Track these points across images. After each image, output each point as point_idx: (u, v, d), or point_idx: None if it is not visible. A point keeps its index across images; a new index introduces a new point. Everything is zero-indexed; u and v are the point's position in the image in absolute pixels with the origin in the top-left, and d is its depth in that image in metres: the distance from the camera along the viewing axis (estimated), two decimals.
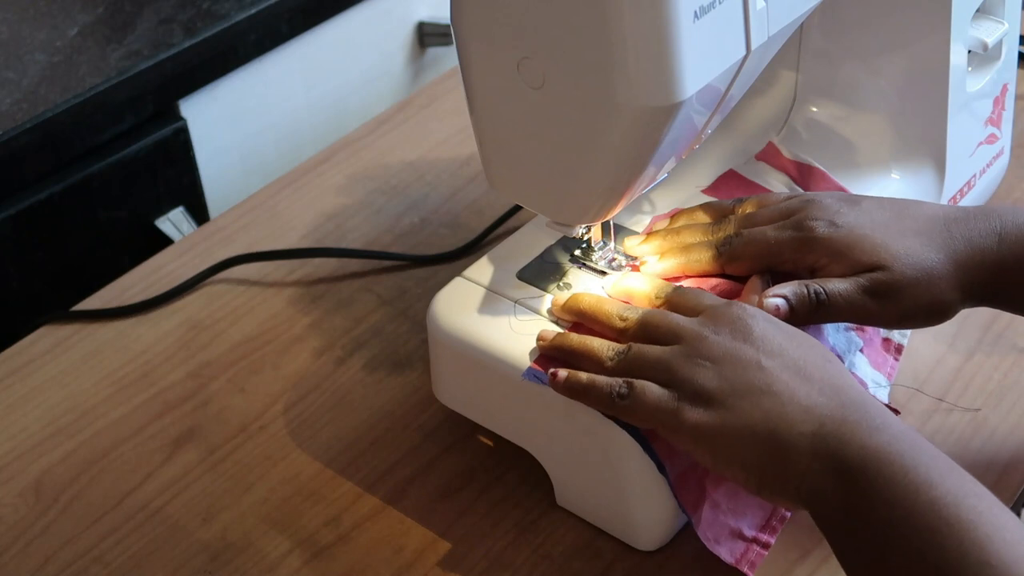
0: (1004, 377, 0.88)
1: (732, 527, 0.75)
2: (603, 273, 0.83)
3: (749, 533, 0.75)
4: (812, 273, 0.77)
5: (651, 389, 0.70)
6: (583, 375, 0.73)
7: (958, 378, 0.88)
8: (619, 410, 0.71)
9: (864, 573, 0.65)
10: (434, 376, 0.85)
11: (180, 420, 0.89)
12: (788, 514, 0.77)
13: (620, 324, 0.75)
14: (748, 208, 0.82)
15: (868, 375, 0.81)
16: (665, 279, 0.80)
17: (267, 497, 0.83)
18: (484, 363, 0.78)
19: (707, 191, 0.91)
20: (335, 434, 0.87)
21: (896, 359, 0.83)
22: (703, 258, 0.79)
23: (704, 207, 0.85)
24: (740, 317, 0.71)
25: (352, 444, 0.86)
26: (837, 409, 0.67)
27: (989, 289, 0.77)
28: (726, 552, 0.75)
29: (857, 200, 0.79)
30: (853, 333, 0.81)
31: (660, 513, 0.77)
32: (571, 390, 0.73)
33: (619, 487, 0.76)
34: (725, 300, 0.74)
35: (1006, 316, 0.92)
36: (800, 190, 0.86)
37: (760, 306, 0.73)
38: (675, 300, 0.76)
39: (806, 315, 0.74)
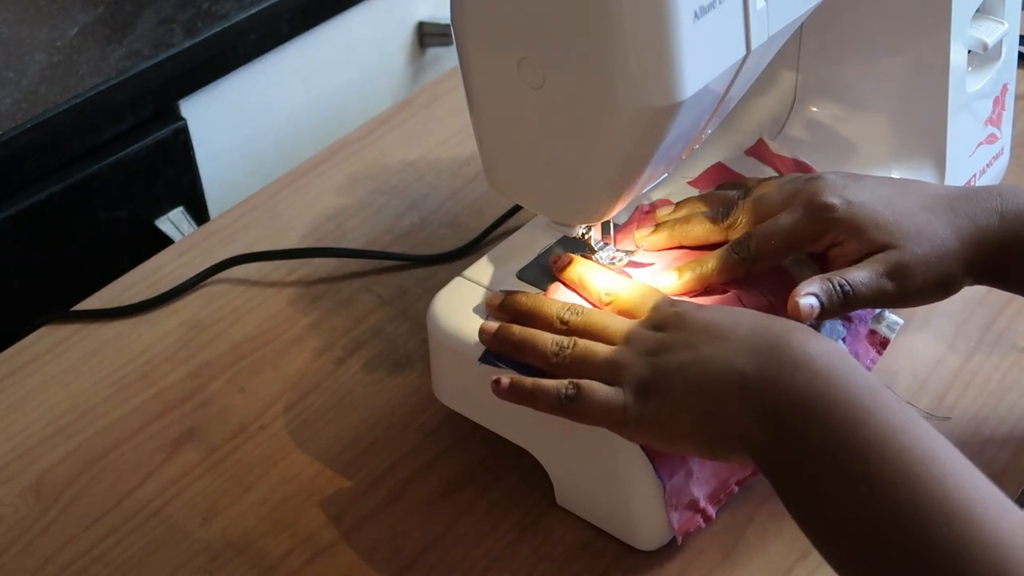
0: (1004, 377, 0.88)
1: (692, 496, 0.76)
2: None
3: (702, 504, 0.76)
4: (827, 251, 0.78)
5: (599, 389, 0.71)
6: (528, 380, 0.73)
7: (958, 378, 0.88)
8: (567, 412, 0.72)
9: (804, 516, 0.66)
10: (434, 376, 0.85)
11: (180, 420, 0.88)
12: (735, 488, 0.77)
13: (560, 327, 0.75)
14: (754, 195, 0.82)
15: None
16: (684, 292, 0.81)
17: (267, 497, 0.83)
18: (484, 363, 0.78)
19: (693, 183, 0.91)
20: (335, 434, 0.87)
21: (879, 352, 0.82)
22: (724, 266, 0.79)
23: (706, 197, 0.86)
24: (677, 314, 0.73)
25: (352, 444, 0.86)
26: (755, 356, 0.67)
27: (990, 267, 0.78)
28: (675, 519, 0.75)
29: (858, 176, 0.80)
30: (838, 322, 0.81)
31: (660, 513, 0.77)
32: (516, 395, 0.73)
33: (619, 487, 0.76)
34: (666, 299, 0.75)
35: (1006, 316, 0.92)
36: None
37: (793, 308, 0.74)
38: (622, 301, 0.77)
39: (836, 310, 0.75)
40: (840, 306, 0.75)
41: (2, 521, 0.82)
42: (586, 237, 0.83)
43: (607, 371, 0.72)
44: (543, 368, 0.75)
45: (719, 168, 0.92)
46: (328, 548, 0.80)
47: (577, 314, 0.75)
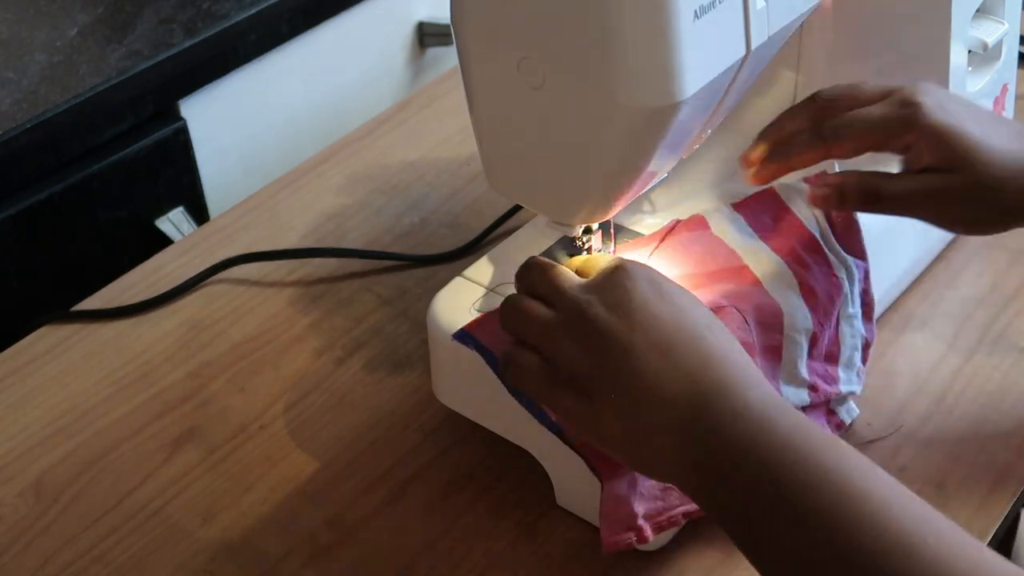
0: (1004, 377, 0.88)
1: (631, 510, 0.74)
2: None
3: (639, 522, 0.74)
4: (904, 151, 0.78)
5: (528, 362, 0.69)
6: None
7: (958, 378, 0.88)
8: (503, 378, 0.71)
9: (745, 548, 0.65)
10: (434, 376, 0.85)
11: (180, 420, 0.89)
12: (682, 519, 0.76)
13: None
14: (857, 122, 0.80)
15: None
16: (767, 176, 0.81)
17: (267, 497, 0.83)
18: (484, 363, 0.78)
19: (737, 206, 0.89)
20: (335, 434, 0.87)
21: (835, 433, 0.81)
22: (803, 145, 0.78)
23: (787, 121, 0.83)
24: (621, 284, 0.68)
25: (352, 444, 0.86)
26: (695, 398, 0.65)
27: None
28: (606, 528, 0.74)
29: (961, 97, 0.80)
30: (804, 390, 0.80)
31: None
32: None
33: None
34: (619, 261, 0.71)
35: (1006, 316, 0.92)
36: (828, 228, 0.85)
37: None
38: (583, 266, 0.74)
39: (860, 198, 0.77)
40: (864, 198, 0.77)
41: (2, 521, 0.82)
42: (586, 245, 0.83)
43: (538, 340, 0.69)
44: (494, 325, 0.73)
45: (768, 195, 0.89)
46: (328, 548, 0.80)
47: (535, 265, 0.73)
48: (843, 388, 0.82)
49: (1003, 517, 0.79)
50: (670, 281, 0.71)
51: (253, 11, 1.21)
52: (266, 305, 0.98)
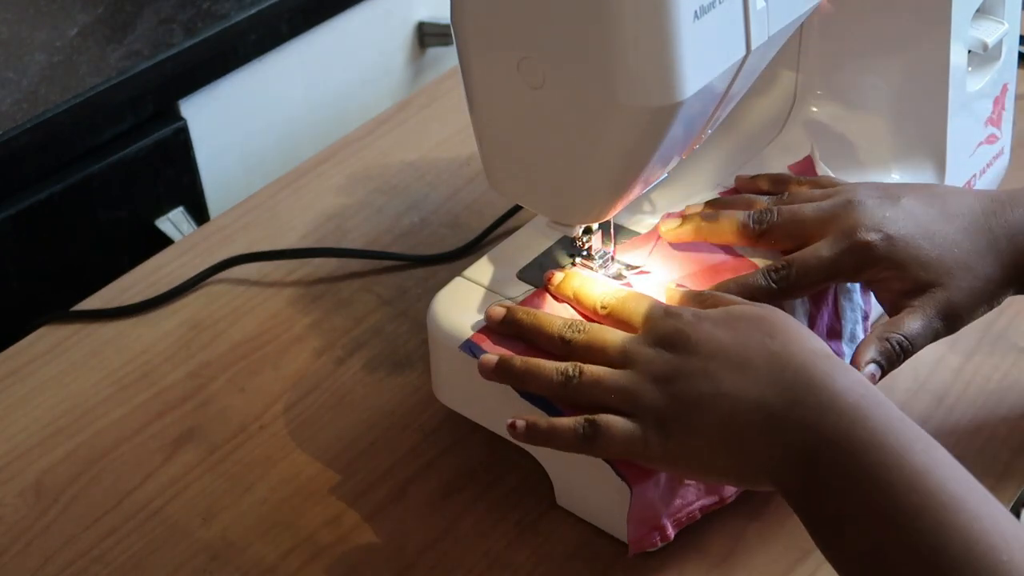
0: (1004, 377, 0.88)
1: (656, 511, 0.75)
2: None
3: (663, 520, 0.75)
4: (866, 283, 0.79)
5: (616, 425, 0.70)
6: (543, 421, 0.72)
7: (958, 378, 0.88)
8: (587, 450, 0.71)
9: (830, 551, 0.65)
10: (434, 376, 0.85)
11: (180, 420, 0.89)
12: (699, 514, 0.76)
13: (563, 346, 0.75)
14: (788, 207, 0.81)
15: None
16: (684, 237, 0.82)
17: (267, 497, 0.83)
18: None
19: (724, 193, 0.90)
20: (335, 434, 0.87)
21: None
22: (755, 294, 0.78)
23: (735, 201, 0.85)
24: (677, 328, 0.71)
25: (352, 444, 0.86)
26: (780, 393, 0.67)
27: None
28: (633, 531, 0.74)
29: (895, 197, 0.79)
30: None
31: None
32: (533, 437, 0.73)
33: (619, 487, 0.76)
34: (662, 308, 0.73)
35: (1006, 316, 0.92)
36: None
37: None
38: (618, 312, 0.76)
39: (896, 366, 0.75)
40: (900, 362, 0.75)
41: (2, 521, 0.82)
42: (586, 246, 0.83)
43: (619, 401, 0.71)
44: (550, 398, 0.74)
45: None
46: (328, 548, 0.80)
47: (578, 331, 0.74)
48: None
49: None
50: (710, 306, 0.73)
51: (253, 11, 1.21)
52: (266, 305, 0.98)
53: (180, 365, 0.93)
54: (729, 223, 0.82)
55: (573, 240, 0.83)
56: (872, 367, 0.74)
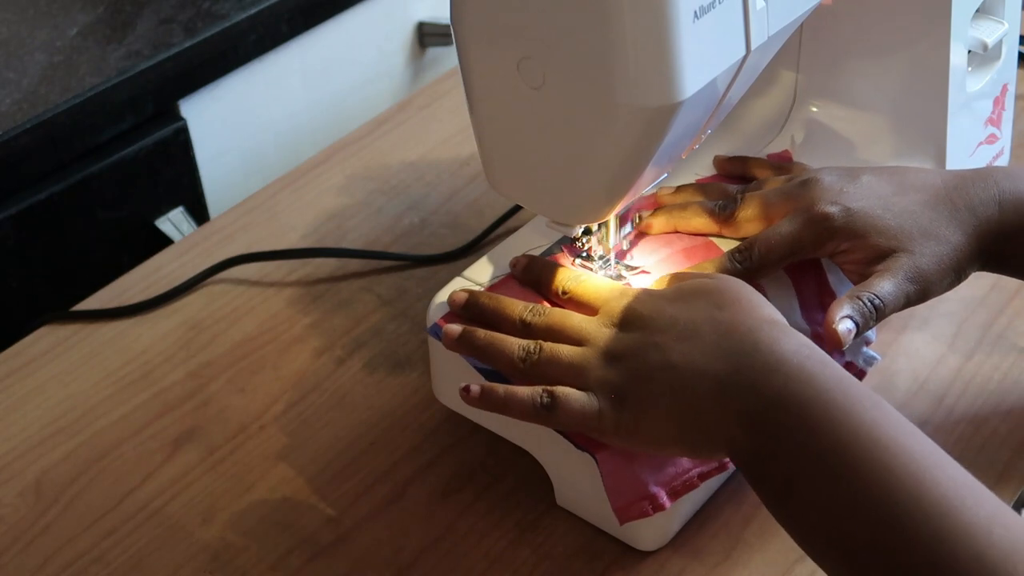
0: (1004, 377, 0.88)
1: (639, 479, 0.74)
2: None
3: (652, 489, 0.74)
4: (831, 257, 0.80)
5: (573, 396, 0.71)
6: (499, 388, 0.73)
7: (958, 378, 0.88)
8: (543, 419, 0.72)
9: (779, 510, 0.66)
10: (434, 376, 0.85)
11: (180, 420, 0.89)
12: (698, 481, 0.76)
13: (524, 328, 0.76)
14: (753, 192, 0.83)
15: None
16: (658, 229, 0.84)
17: (267, 497, 0.83)
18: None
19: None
20: (335, 434, 0.87)
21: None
22: (725, 272, 0.79)
23: (706, 188, 0.87)
24: (630, 307, 0.73)
25: (352, 444, 0.86)
26: (727, 359, 0.68)
27: (992, 254, 0.79)
28: (616, 500, 0.74)
29: (855, 174, 0.81)
30: (809, 340, 0.80)
31: (660, 513, 0.77)
32: (488, 403, 0.73)
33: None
34: (619, 289, 0.75)
35: (1006, 316, 0.92)
36: None
37: (832, 335, 0.74)
38: (577, 296, 0.77)
39: (869, 325, 0.75)
40: (873, 321, 0.75)
41: (2, 521, 0.82)
42: (586, 245, 0.83)
43: (575, 375, 0.72)
44: (509, 373, 0.75)
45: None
46: (328, 548, 0.80)
47: (539, 315, 0.76)
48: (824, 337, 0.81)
49: None
50: (664, 286, 0.74)
51: (253, 11, 1.21)
52: (266, 305, 0.98)
53: (180, 365, 0.93)
54: (697, 211, 0.84)
55: (573, 240, 0.83)
56: (848, 323, 0.74)
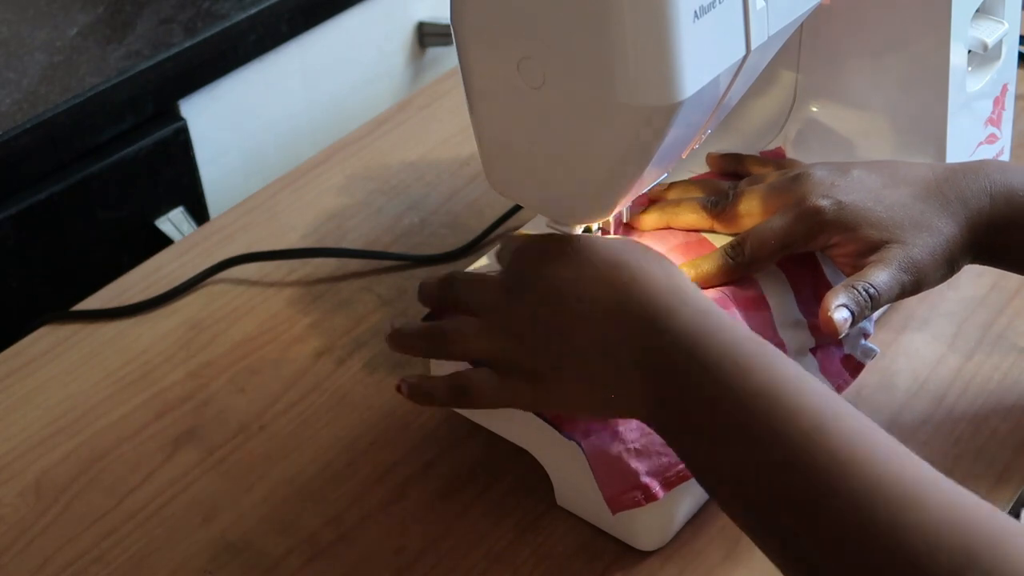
0: (1004, 377, 0.88)
1: (630, 468, 0.74)
2: None
3: (644, 479, 0.75)
4: (824, 249, 0.80)
5: (482, 378, 0.73)
6: (424, 382, 0.74)
7: (958, 378, 0.88)
8: (466, 404, 0.74)
9: (687, 456, 0.68)
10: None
11: (180, 420, 0.89)
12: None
13: (442, 299, 0.77)
14: (745, 188, 0.83)
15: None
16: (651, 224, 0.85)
17: (267, 497, 0.83)
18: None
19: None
20: (335, 434, 0.87)
21: (853, 377, 0.82)
22: (719, 270, 0.80)
23: (700, 183, 0.87)
24: (524, 273, 0.73)
25: (352, 444, 0.86)
26: (620, 326, 0.69)
27: (984, 246, 0.79)
28: (606, 488, 0.74)
29: (845, 169, 0.81)
30: (808, 333, 0.81)
31: (660, 513, 0.77)
32: (417, 398, 0.75)
33: None
34: (518, 247, 0.75)
35: (1006, 316, 0.92)
36: None
37: (827, 324, 0.74)
38: (499, 254, 0.78)
39: (865, 314, 0.76)
40: (869, 310, 0.76)
41: (2, 521, 0.82)
42: None
43: (478, 353, 0.73)
44: (437, 357, 0.77)
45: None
46: (328, 548, 0.80)
47: (452, 283, 0.77)
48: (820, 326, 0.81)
49: None
50: (565, 241, 0.74)
51: (253, 11, 1.21)
52: (266, 305, 0.98)
53: (180, 365, 0.93)
54: (689, 207, 0.84)
55: None
56: (844, 311, 0.74)
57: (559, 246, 0.73)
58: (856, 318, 0.75)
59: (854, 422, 0.63)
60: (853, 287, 0.75)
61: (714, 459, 0.66)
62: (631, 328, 0.69)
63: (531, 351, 0.71)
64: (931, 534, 0.58)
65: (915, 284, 0.77)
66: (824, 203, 0.78)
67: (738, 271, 0.79)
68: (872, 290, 0.75)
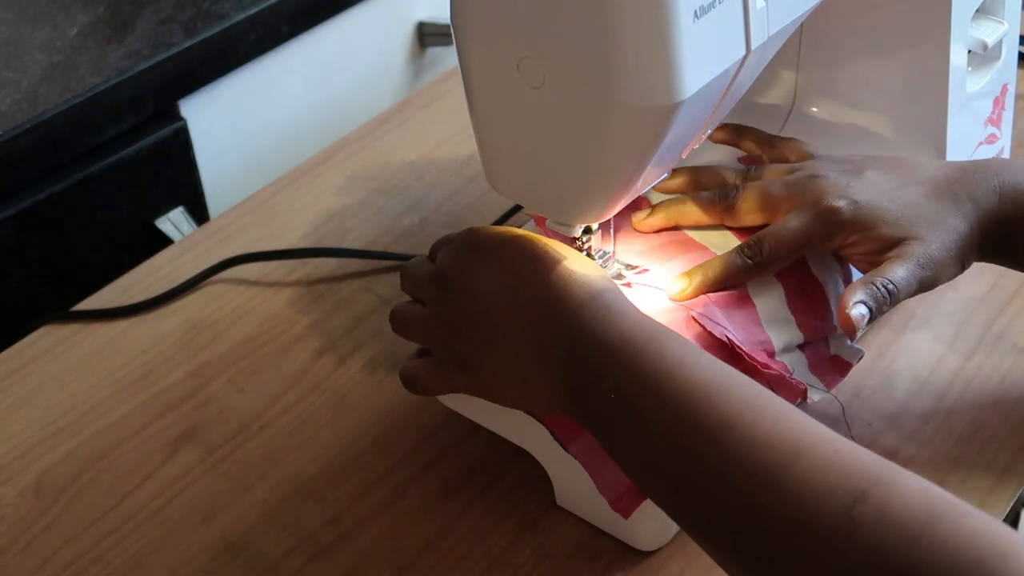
0: (1004, 377, 0.88)
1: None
2: None
3: None
4: (840, 250, 0.81)
5: (425, 369, 0.77)
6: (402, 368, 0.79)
7: (958, 378, 0.88)
8: (417, 391, 0.78)
9: (602, 437, 0.70)
10: None
11: (180, 420, 0.89)
12: None
13: (412, 284, 0.80)
14: (755, 183, 0.83)
15: (804, 377, 0.80)
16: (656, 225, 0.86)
17: (267, 497, 0.83)
18: None
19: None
20: (335, 434, 0.87)
21: (842, 376, 0.81)
22: (733, 270, 0.80)
23: (700, 171, 0.87)
24: (447, 276, 0.75)
25: (352, 444, 0.86)
26: (536, 321, 0.71)
27: (992, 244, 0.80)
28: (608, 494, 0.75)
29: (858, 168, 0.81)
30: (796, 329, 0.81)
31: (660, 513, 0.76)
32: (407, 387, 0.79)
33: None
34: (445, 239, 0.78)
35: (1006, 316, 0.92)
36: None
37: (845, 320, 0.75)
38: (432, 246, 0.81)
39: (883, 311, 0.76)
40: (887, 306, 0.76)
41: (2, 521, 0.82)
42: (586, 245, 0.83)
43: (422, 341, 0.77)
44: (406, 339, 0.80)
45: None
46: (328, 548, 0.80)
47: (415, 268, 0.79)
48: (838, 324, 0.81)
49: (1003, 517, 0.79)
50: (491, 239, 0.76)
51: (253, 11, 1.21)
52: (266, 305, 0.98)
53: (180, 365, 0.93)
54: (695, 203, 0.84)
55: (573, 240, 0.83)
56: (862, 308, 0.75)
57: (475, 239, 0.76)
58: (874, 314, 0.75)
59: (743, 390, 0.65)
60: (872, 283, 0.76)
61: (625, 446, 0.68)
62: (546, 322, 0.71)
63: (460, 341, 0.74)
64: (819, 480, 0.60)
65: (932, 280, 0.78)
66: (841, 203, 0.79)
67: (755, 272, 0.80)
68: (891, 286, 0.76)
